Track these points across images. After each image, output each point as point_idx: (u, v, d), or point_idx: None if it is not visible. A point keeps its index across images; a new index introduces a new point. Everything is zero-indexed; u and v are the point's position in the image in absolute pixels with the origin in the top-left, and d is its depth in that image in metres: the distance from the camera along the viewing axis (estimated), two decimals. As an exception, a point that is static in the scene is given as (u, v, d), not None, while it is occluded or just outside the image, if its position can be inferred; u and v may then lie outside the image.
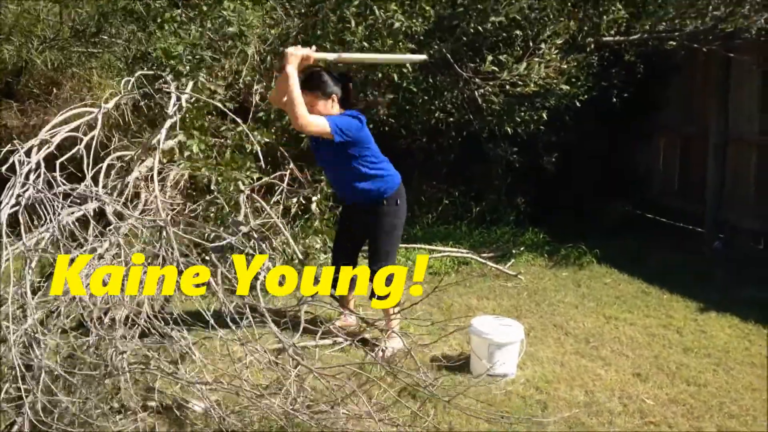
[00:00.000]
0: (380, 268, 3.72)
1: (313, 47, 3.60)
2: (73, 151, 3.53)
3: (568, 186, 6.82)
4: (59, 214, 3.17)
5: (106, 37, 5.13)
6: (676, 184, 6.95)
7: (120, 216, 3.40)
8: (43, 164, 3.34)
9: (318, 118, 3.46)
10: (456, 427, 3.02)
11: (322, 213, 4.85)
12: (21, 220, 3.11)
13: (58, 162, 3.36)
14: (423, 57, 3.89)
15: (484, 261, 5.47)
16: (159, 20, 5.13)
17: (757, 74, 5.88)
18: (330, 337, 3.78)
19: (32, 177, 3.25)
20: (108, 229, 3.37)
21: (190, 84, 4.61)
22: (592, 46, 6.22)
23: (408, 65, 4.09)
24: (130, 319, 2.95)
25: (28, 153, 3.40)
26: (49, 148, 3.44)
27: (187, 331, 2.95)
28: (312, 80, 3.59)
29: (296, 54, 3.45)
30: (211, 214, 4.24)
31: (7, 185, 3.18)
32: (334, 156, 3.65)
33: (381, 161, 3.73)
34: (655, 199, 7.09)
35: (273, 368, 2.97)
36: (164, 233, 3.22)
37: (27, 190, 3.18)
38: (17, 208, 3.13)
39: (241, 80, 5.39)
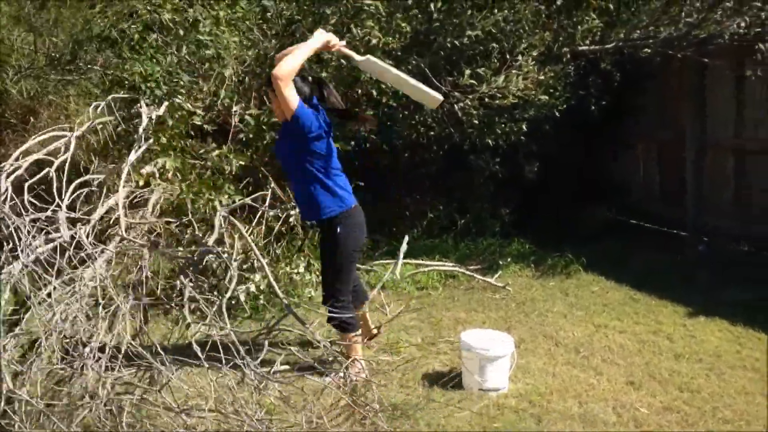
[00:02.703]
0: (330, 306, 3.61)
1: (343, 41, 3.64)
2: (42, 173, 3.47)
3: (551, 194, 6.85)
4: (33, 244, 3.10)
5: (81, 64, 5.08)
6: (655, 191, 6.99)
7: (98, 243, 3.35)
8: (10, 188, 3.28)
9: (294, 91, 3.43)
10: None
11: (305, 231, 4.81)
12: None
13: (26, 185, 3.30)
14: (440, 98, 3.72)
15: (471, 273, 5.45)
16: (135, 46, 5.10)
17: (730, 79, 5.94)
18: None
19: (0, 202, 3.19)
20: (88, 256, 3.31)
21: (165, 104, 4.57)
22: (568, 56, 6.27)
23: (422, 100, 3.82)
24: (111, 349, 2.89)
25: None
26: (17, 171, 3.38)
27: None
28: (269, 79, 3.52)
29: (324, 34, 3.53)
30: (187, 236, 4.19)
31: None
32: (290, 150, 3.58)
33: (337, 175, 3.60)
34: (635, 205, 7.13)
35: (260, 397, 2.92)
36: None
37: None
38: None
39: (219, 102, 5.36)
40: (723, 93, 6.04)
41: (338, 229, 3.55)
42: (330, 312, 3.62)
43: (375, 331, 4.19)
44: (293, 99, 3.42)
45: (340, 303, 3.60)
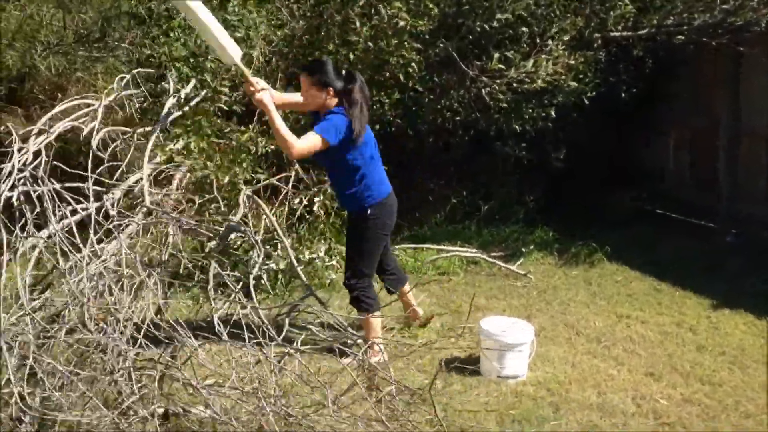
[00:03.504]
0: (350, 286, 3.68)
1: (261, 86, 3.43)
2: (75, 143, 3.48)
3: (578, 182, 6.76)
4: (61, 215, 3.14)
5: (110, 42, 5.12)
6: (688, 178, 6.88)
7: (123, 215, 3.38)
8: (44, 152, 3.30)
9: (307, 140, 3.39)
10: (466, 431, 2.97)
11: (327, 215, 4.81)
12: (21, 214, 3.08)
13: (45, 157, 3.31)
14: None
15: (493, 260, 5.42)
16: (163, 26, 5.12)
17: (767, 67, 5.79)
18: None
19: (28, 165, 3.21)
20: (114, 226, 3.34)
21: (192, 82, 4.58)
22: (600, 41, 6.16)
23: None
24: (133, 322, 2.92)
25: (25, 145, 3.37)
26: (48, 138, 3.41)
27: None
28: (313, 65, 3.57)
29: (263, 97, 3.38)
30: (210, 212, 4.21)
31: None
32: (325, 155, 3.58)
33: (373, 168, 3.64)
34: (666, 193, 7.02)
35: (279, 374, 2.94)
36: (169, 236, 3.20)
37: (23, 179, 3.13)
38: (13, 194, 3.08)
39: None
40: (759, 81, 5.89)
41: (368, 213, 3.62)
42: (350, 290, 3.68)
43: (420, 314, 4.19)
44: (315, 143, 3.39)
45: (362, 283, 3.66)
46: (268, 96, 3.41)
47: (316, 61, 3.66)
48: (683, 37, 6.03)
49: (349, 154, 3.54)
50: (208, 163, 4.22)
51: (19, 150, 3.25)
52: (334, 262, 4.71)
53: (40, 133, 3.48)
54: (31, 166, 3.21)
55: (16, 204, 3.07)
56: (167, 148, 4.10)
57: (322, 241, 4.70)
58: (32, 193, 3.12)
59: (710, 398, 3.32)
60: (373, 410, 2.85)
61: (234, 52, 3.41)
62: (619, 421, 3.10)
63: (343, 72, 3.60)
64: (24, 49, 4.78)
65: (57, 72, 4.93)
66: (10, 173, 3.13)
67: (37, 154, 3.30)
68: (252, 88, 3.38)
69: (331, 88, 3.49)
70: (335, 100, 3.52)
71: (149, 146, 3.76)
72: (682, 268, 5.27)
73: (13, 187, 3.08)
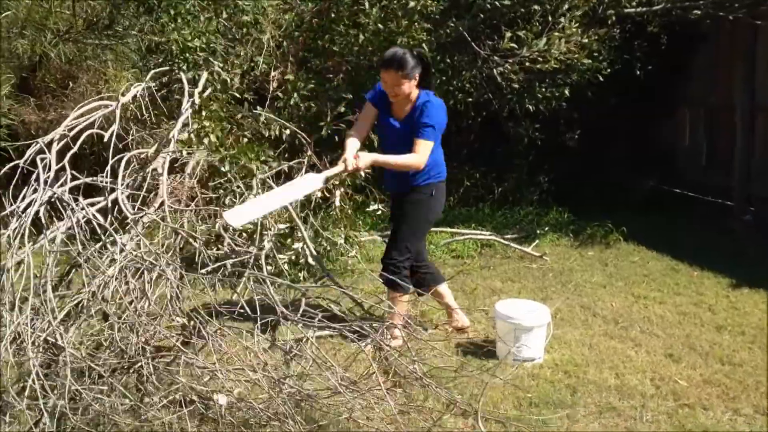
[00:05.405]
0: (392, 263, 3.62)
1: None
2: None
3: (592, 162, 6.70)
4: (77, 209, 3.17)
5: (119, 29, 5.10)
6: (703, 157, 6.79)
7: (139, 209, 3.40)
8: (68, 166, 3.37)
9: (422, 152, 3.50)
10: (484, 414, 2.96)
11: (344, 205, 4.77)
12: (43, 220, 3.14)
13: (68, 155, 3.36)
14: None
15: (507, 243, 5.39)
16: (172, 11, 5.09)
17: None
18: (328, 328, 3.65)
19: (50, 176, 3.28)
20: (128, 221, 3.35)
21: (205, 74, 4.55)
22: (614, 18, 6.07)
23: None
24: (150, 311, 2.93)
25: (48, 148, 3.42)
26: (65, 139, 3.45)
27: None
28: (396, 61, 3.54)
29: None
30: (226, 201, 4.20)
31: (23, 192, 3.20)
32: (400, 140, 3.60)
33: (438, 151, 3.67)
34: (681, 172, 6.95)
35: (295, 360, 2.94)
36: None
37: (47, 192, 3.20)
38: (40, 208, 3.15)
39: (258, 68, 5.34)
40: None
41: (432, 193, 3.63)
42: (388, 268, 3.62)
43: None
44: (428, 148, 3.51)
45: (401, 262, 3.62)
46: (363, 157, 3.49)
47: (395, 55, 3.57)
48: (699, 12, 5.93)
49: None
50: (221, 149, 4.21)
51: (42, 160, 3.31)
52: (353, 252, 4.69)
53: (61, 138, 3.53)
54: (58, 185, 3.27)
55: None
56: (180, 136, 4.09)
57: (341, 228, 4.67)
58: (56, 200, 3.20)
59: (730, 378, 3.29)
60: (389, 395, 2.84)
61: (311, 183, 3.52)
62: (637, 403, 3.08)
63: (415, 52, 3.63)
64: (34, 37, 4.76)
65: (68, 60, 4.92)
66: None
67: (58, 161, 3.36)
68: (351, 168, 3.48)
69: (417, 75, 3.56)
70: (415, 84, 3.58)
71: (174, 138, 3.77)
72: (699, 248, 5.22)
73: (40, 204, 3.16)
